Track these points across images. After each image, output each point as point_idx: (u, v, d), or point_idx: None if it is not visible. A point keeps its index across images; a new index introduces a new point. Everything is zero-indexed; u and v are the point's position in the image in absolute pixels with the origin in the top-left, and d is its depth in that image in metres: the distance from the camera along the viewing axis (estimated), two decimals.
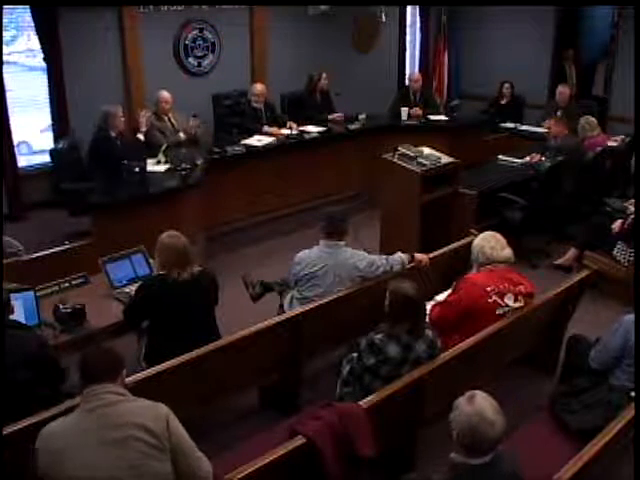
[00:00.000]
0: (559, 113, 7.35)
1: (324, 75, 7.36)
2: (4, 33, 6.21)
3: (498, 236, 3.71)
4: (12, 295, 3.17)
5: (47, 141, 6.74)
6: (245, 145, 6.36)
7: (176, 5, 7.16)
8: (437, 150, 5.76)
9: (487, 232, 3.76)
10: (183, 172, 5.43)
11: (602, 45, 9.02)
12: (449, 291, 3.78)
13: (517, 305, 3.56)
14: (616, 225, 5.16)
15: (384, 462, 2.92)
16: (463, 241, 4.45)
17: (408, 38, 9.56)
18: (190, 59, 7.48)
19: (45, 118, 6.74)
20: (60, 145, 6.05)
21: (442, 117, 7.69)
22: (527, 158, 6.27)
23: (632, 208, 5.24)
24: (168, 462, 2.26)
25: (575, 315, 4.08)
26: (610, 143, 6.67)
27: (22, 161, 6.73)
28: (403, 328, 3.09)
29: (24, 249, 4.61)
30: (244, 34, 7.81)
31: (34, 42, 6.51)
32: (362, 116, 7.30)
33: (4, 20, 6.12)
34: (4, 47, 6.24)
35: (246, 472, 2.40)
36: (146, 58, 7.04)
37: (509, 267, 3.65)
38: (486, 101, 8.46)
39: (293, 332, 3.55)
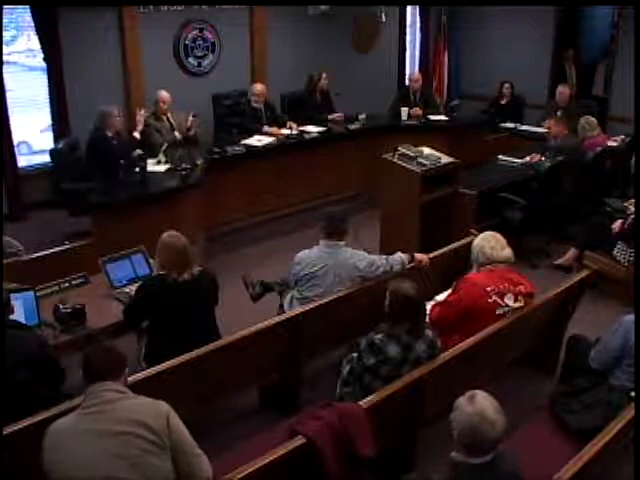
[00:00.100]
0: (559, 113, 7.35)
1: (324, 75, 7.36)
2: (4, 33, 6.21)
3: (498, 236, 3.71)
4: (12, 295, 3.17)
5: (47, 141, 6.74)
6: (245, 145, 6.36)
7: (176, 5, 7.17)
8: (437, 150, 5.76)
9: (487, 232, 3.76)
10: (183, 172, 5.43)
11: (602, 45, 9.02)
12: (449, 291, 3.78)
13: (517, 305, 3.56)
14: (616, 225, 5.16)
15: (384, 462, 2.92)
16: (463, 241, 4.45)
17: (408, 38, 9.56)
18: (190, 59, 7.48)
19: (45, 118, 6.74)
20: (60, 145, 6.05)
21: (442, 117, 7.69)
22: (527, 158, 6.27)
23: (632, 208, 5.24)
24: (168, 459, 2.26)
25: (575, 315, 4.08)
26: (610, 143, 6.67)
27: (22, 161, 6.73)
28: (403, 328, 3.09)
29: (24, 249, 4.61)
30: (244, 34, 7.81)
31: (34, 42, 6.51)
32: (362, 116, 7.29)
33: (4, 20, 6.12)
34: (4, 47, 6.24)
35: (246, 472, 2.39)
36: (146, 58, 7.04)
37: (509, 267, 3.65)
38: (486, 101, 8.45)
39: (293, 332, 3.55)
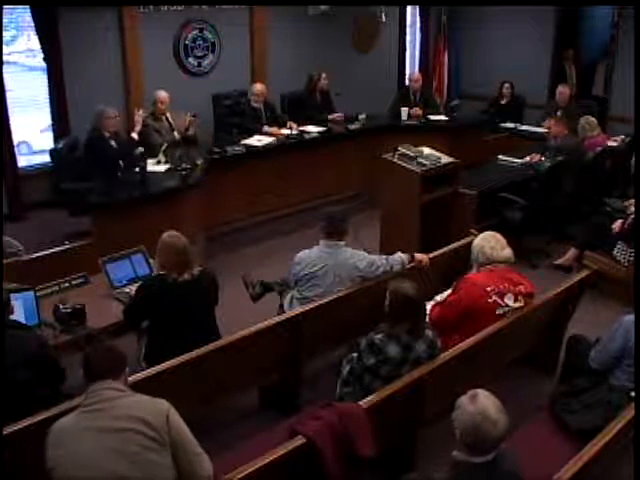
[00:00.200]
0: (559, 113, 7.35)
1: (324, 75, 7.36)
2: (4, 33, 6.21)
3: (498, 236, 3.71)
4: (12, 295, 3.17)
5: (47, 141, 6.74)
6: (245, 145, 6.36)
7: (176, 5, 7.16)
8: (437, 150, 5.76)
9: (487, 232, 3.76)
10: (183, 172, 5.43)
11: (602, 45, 9.02)
12: (449, 291, 3.78)
13: (517, 305, 3.56)
14: (616, 225, 5.17)
15: (384, 462, 2.92)
16: (463, 241, 4.45)
17: (408, 38, 9.56)
18: (190, 59, 7.47)
19: (45, 118, 6.74)
20: (60, 145, 6.05)
21: (442, 117, 7.69)
22: (527, 158, 6.27)
23: (632, 208, 5.24)
24: (168, 456, 2.27)
25: (575, 315, 4.08)
26: (610, 143, 6.67)
27: (22, 161, 6.72)
28: (403, 328, 3.09)
29: (24, 249, 4.61)
30: (244, 34, 7.81)
31: (34, 42, 6.51)
32: (362, 116, 7.29)
33: (4, 20, 6.12)
34: (4, 47, 6.24)
35: (246, 472, 2.40)
36: (146, 58, 7.04)
37: (509, 267, 3.65)
38: (486, 101, 8.45)
39: (293, 332, 3.55)
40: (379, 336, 3.09)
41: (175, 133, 6.22)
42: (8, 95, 6.31)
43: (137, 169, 5.17)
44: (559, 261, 5.61)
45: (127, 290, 3.81)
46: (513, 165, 6.31)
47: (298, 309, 3.69)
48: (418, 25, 9.64)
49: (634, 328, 3.15)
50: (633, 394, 3.02)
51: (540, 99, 8.43)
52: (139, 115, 5.88)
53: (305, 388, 3.77)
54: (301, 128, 6.89)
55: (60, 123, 6.62)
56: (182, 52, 7.39)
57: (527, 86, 8.38)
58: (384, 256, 3.99)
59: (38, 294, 3.55)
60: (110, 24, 6.81)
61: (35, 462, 2.30)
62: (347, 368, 3.20)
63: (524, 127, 7.76)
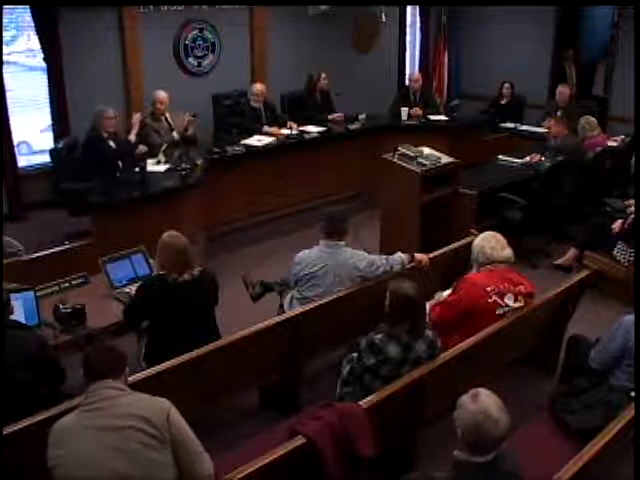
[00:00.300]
0: (559, 113, 7.35)
1: (323, 75, 7.36)
2: (4, 33, 6.21)
3: (498, 236, 3.71)
4: (12, 295, 3.18)
5: (47, 141, 6.74)
6: (245, 145, 6.36)
7: (176, 5, 7.16)
8: (437, 150, 5.76)
9: (487, 232, 3.76)
10: (183, 172, 5.43)
11: (602, 45, 9.02)
12: (449, 291, 3.78)
13: (517, 305, 3.56)
14: (616, 225, 5.17)
15: (384, 462, 2.92)
16: (463, 241, 4.45)
17: (408, 38, 9.56)
18: (190, 59, 7.47)
19: (45, 118, 6.74)
20: (60, 145, 6.05)
21: (442, 117, 7.69)
22: (527, 158, 6.27)
23: (632, 208, 5.24)
24: (169, 454, 2.27)
25: (575, 315, 4.08)
26: (610, 143, 6.67)
27: (22, 161, 6.72)
28: (403, 328, 3.09)
29: (24, 249, 4.61)
30: (244, 34, 7.81)
31: (34, 42, 6.51)
32: (362, 116, 7.29)
33: (4, 20, 6.12)
34: (4, 47, 6.24)
35: (246, 472, 2.40)
36: (146, 58, 7.04)
37: (509, 267, 3.65)
38: (486, 101, 8.45)
39: (293, 332, 3.55)
40: (379, 336, 3.09)
41: (174, 133, 6.23)
42: (8, 95, 6.31)
43: (137, 169, 5.17)
44: (559, 261, 5.61)
45: (127, 290, 3.81)
46: (513, 165, 6.31)
47: (298, 309, 3.69)
48: (418, 25, 9.64)
49: (634, 328, 3.15)
50: (633, 394, 3.02)
51: (540, 99, 8.43)
52: (136, 118, 5.90)
53: (305, 388, 3.77)
54: (301, 128, 6.89)
55: (60, 123, 6.62)
56: (182, 52, 7.39)
57: (527, 86, 8.38)
58: (384, 256, 3.99)
59: (38, 294, 3.56)
60: (110, 24, 6.81)
61: (35, 462, 2.30)
62: (347, 368, 3.20)
63: (524, 127, 7.76)
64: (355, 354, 3.17)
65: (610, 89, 8.63)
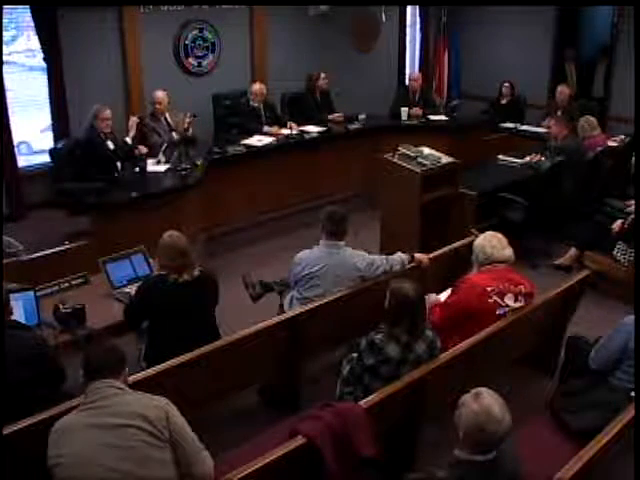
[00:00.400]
0: (559, 113, 7.35)
1: (323, 75, 7.37)
2: (4, 33, 6.21)
3: (500, 236, 3.71)
4: (12, 295, 3.18)
5: (47, 141, 6.73)
6: (245, 145, 6.36)
7: (176, 5, 7.16)
8: (437, 150, 5.76)
9: (489, 232, 3.76)
10: (183, 172, 5.43)
11: (602, 45, 9.02)
12: (449, 291, 3.78)
13: (517, 305, 3.56)
14: (616, 225, 5.17)
15: (384, 462, 2.92)
16: (463, 241, 4.45)
17: (408, 38, 9.54)
18: (190, 59, 7.47)
19: (45, 118, 6.73)
20: (60, 145, 6.05)
21: (442, 117, 7.69)
22: (527, 158, 6.27)
23: (632, 208, 5.24)
24: (168, 453, 2.28)
25: (575, 315, 4.08)
26: (610, 143, 6.67)
27: (22, 161, 6.71)
28: (403, 328, 3.09)
29: (24, 249, 4.60)
30: (244, 34, 7.80)
31: (34, 42, 6.50)
32: (362, 116, 7.30)
33: (4, 20, 6.12)
34: (4, 47, 6.23)
35: (246, 472, 2.40)
36: (146, 58, 7.03)
37: (509, 267, 3.65)
38: (486, 101, 8.45)
39: (293, 332, 3.55)
40: (379, 336, 3.09)
41: (174, 133, 6.22)
42: (8, 95, 6.30)
43: (137, 169, 5.16)
44: (559, 261, 5.61)
45: (127, 290, 3.81)
46: (513, 165, 6.31)
47: (298, 309, 3.69)
48: (418, 25, 9.62)
49: (634, 328, 3.15)
50: (633, 394, 3.02)
51: (540, 99, 8.43)
52: (132, 121, 5.90)
53: (305, 388, 3.77)
54: (301, 128, 6.90)
55: (60, 123, 6.61)
56: (182, 52, 7.38)
57: (527, 86, 8.37)
58: (384, 256, 3.99)
59: (38, 294, 3.55)
60: (110, 24, 6.80)
61: (35, 462, 2.30)
62: (347, 368, 3.20)
63: (524, 127, 7.74)
64: (355, 354, 3.17)
65: (610, 89, 8.62)
